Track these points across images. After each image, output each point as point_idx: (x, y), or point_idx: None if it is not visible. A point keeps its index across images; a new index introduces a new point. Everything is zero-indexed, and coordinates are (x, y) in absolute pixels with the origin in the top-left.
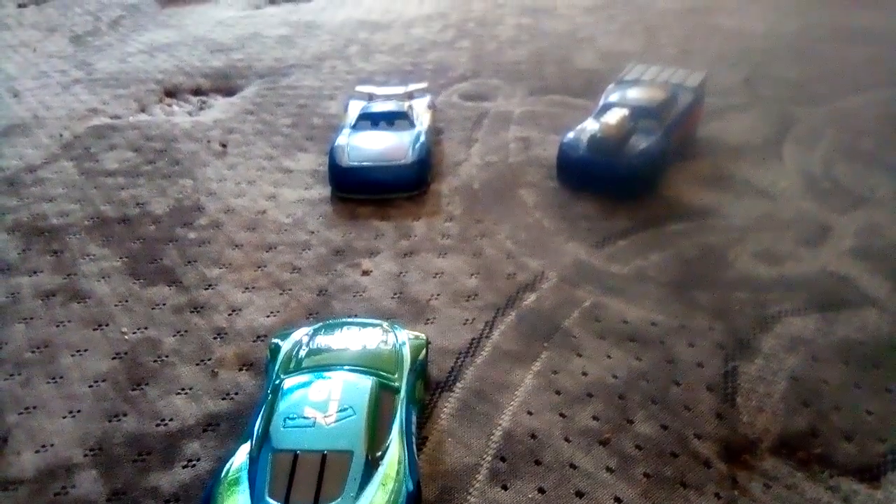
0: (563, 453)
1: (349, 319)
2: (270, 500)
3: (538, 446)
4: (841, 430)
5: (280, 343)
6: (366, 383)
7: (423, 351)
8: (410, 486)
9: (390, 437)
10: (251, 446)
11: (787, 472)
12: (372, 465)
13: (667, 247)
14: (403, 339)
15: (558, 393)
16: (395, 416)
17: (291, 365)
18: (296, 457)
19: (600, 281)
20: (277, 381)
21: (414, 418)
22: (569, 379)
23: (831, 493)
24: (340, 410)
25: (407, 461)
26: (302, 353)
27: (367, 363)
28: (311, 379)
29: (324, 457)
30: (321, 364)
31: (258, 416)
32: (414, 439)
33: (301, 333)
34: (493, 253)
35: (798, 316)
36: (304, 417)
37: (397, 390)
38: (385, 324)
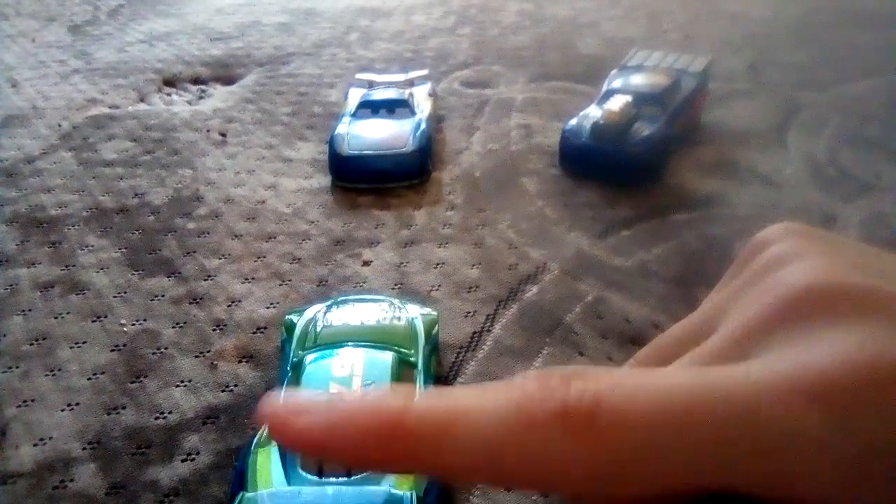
0: None
1: (359, 296)
2: (304, 473)
3: None
4: None
5: (295, 319)
6: (386, 358)
7: (435, 326)
8: None
9: None
10: None
11: None
12: None
13: (670, 238)
14: (415, 314)
15: None
16: (414, 391)
17: (307, 342)
18: None
19: (603, 274)
20: (296, 359)
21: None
22: None
23: None
24: (365, 385)
25: None
26: (318, 328)
27: (384, 339)
28: (333, 355)
29: None
30: (338, 340)
31: (281, 392)
32: None
33: (314, 310)
34: (495, 243)
35: None
36: (330, 393)
37: (415, 365)
38: (395, 301)
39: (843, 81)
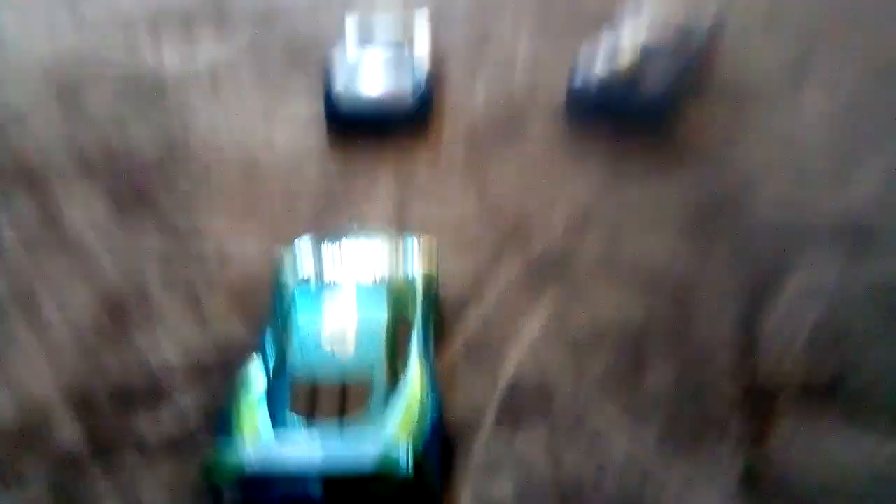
0: (572, 402)
1: (356, 233)
2: (293, 415)
3: (546, 395)
4: (866, 378)
5: (286, 259)
6: (381, 314)
7: (435, 279)
8: (434, 414)
9: (409, 364)
10: (268, 375)
11: (811, 420)
12: (394, 391)
13: (684, 190)
14: (415, 265)
15: (568, 341)
16: (411, 345)
17: (301, 281)
18: (316, 385)
19: (611, 224)
20: (291, 312)
21: (431, 347)
22: (579, 324)
23: (856, 441)
24: (358, 339)
25: (429, 387)
26: (311, 270)
27: (381, 293)
28: (326, 310)
29: (344, 385)
30: (331, 281)
31: (268, 337)
32: (433, 368)
33: (307, 248)
34: (499, 195)
35: (821, 261)
36: (322, 348)
37: (412, 319)
38: (391, 234)
39: (861, 35)
